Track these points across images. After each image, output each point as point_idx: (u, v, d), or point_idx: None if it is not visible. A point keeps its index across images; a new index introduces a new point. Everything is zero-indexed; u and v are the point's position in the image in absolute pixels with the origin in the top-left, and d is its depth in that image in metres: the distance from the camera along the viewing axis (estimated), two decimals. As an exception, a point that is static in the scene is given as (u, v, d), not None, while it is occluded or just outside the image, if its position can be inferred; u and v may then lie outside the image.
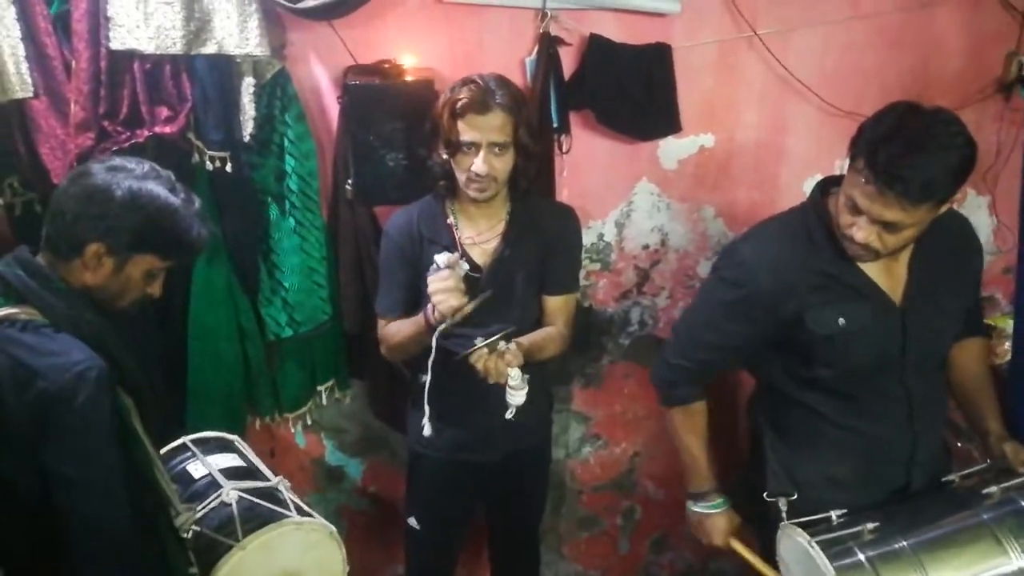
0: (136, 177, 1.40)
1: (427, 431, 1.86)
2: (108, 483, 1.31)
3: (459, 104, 1.75)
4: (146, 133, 1.81)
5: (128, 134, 1.80)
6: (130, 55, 1.77)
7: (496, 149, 1.78)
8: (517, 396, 1.73)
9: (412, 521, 2.13)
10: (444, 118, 1.78)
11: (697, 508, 1.90)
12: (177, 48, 1.76)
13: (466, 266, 1.78)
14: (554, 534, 2.61)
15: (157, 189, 1.40)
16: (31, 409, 1.28)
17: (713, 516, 1.88)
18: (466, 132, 1.77)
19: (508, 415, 1.75)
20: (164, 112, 1.82)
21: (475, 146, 1.77)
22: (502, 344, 1.72)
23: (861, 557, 1.56)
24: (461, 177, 1.82)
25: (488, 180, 1.81)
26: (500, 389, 1.73)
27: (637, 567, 2.74)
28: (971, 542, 1.57)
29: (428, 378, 1.83)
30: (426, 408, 1.84)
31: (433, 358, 1.79)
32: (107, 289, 1.42)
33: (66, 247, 1.38)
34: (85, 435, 1.29)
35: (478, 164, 1.78)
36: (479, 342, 1.71)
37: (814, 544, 1.58)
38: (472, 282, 1.86)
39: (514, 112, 1.78)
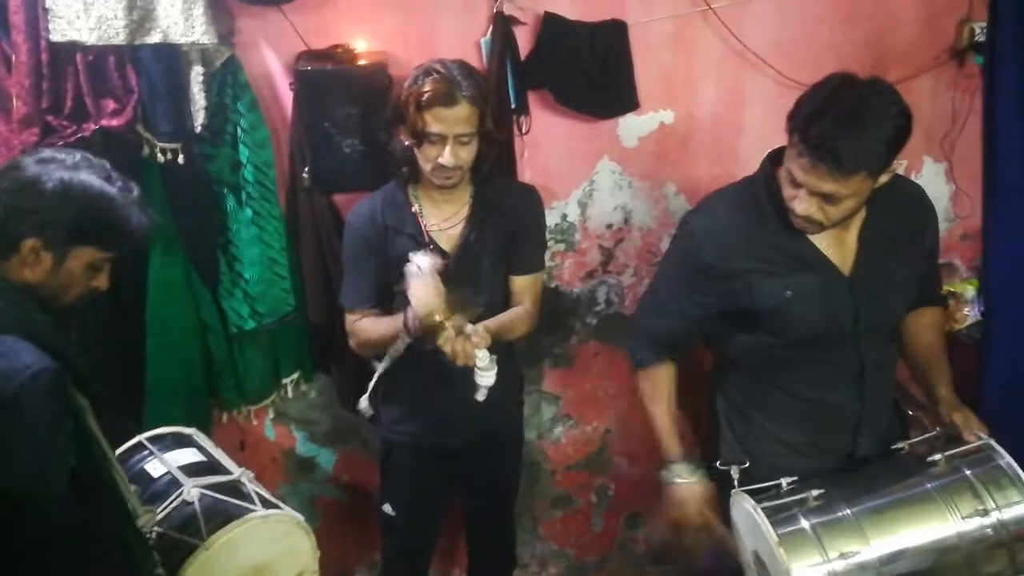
0: (68, 168, 1.35)
1: (363, 404, 1.88)
2: (58, 488, 1.27)
3: (425, 96, 1.73)
4: (92, 127, 1.78)
5: (74, 128, 1.77)
6: (72, 47, 1.74)
7: (463, 139, 1.78)
8: (486, 377, 1.73)
9: (387, 508, 2.13)
10: (409, 109, 1.76)
11: (671, 479, 1.82)
12: (120, 38, 1.73)
13: (440, 262, 1.76)
14: (529, 514, 2.63)
15: (90, 179, 1.36)
16: None
17: (686, 486, 1.81)
18: (432, 124, 1.75)
19: (479, 397, 1.75)
20: (110, 105, 1.79)
21: (441, 138, 1.76)
22: (469, 326, 1.71)
23: (805, 524, 1.58)
24: (426, 166, 1.81)
25: (454, 170, 1.80)
26: (469, 372, 1.73)
27: (612, 543, 2.76)
28: (913, 509, 1.60)
29: (385, 365, 1.83)
30: (370, 387, 1.86)
31: (400, 349, 1.79)
32: (49, 285, 1.37)
33: (1, 245, 1.34)
34: (37, 441, 1.26)
35: (446, 156, 1.77)
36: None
37: (759, 510, 1.60)
38: (440, 268, 1.86)
39: (479, 103, 1.78)
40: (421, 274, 1.73)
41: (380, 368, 1.85)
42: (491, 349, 1.73)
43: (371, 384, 1.87)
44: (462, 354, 1.70)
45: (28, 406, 1.24)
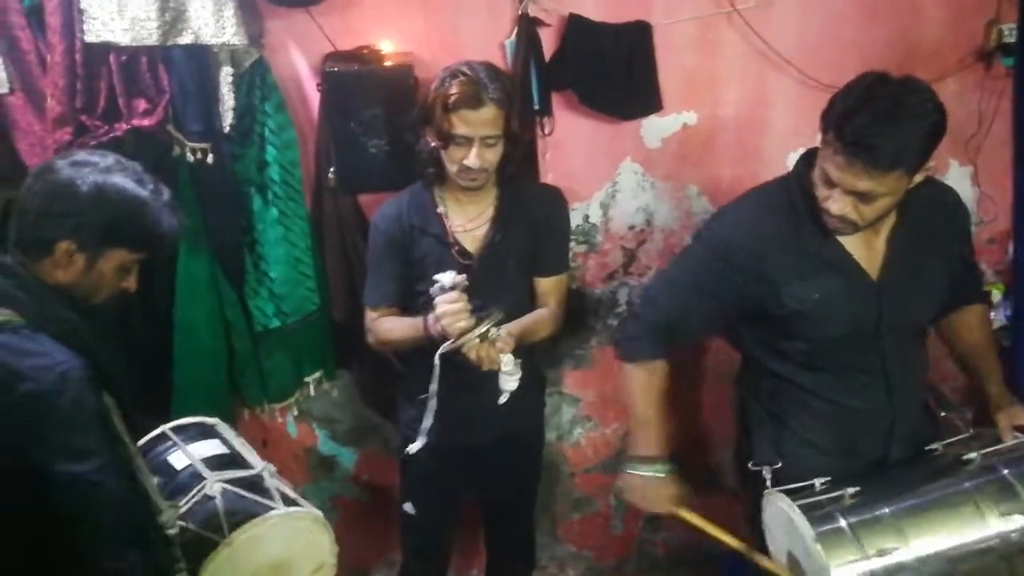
0: (101, 171, 1.37)
1: (415, 447, 1.85)
2: (111, 472, 1.30)
3: (451, 99, 1.74)
4: (124, 126, 1.80)
5: (106, 128, 1.79)
6: (105, 47, 1.76)
7: (489, 141, 1.79)
8: (510, 382, 1.73)
9: (407, 507, 2.13)
10: (436, 110, 1.77)
11: (641, 472, 1.77)
12: (153, 39, 1.75)
13: (466, 281, 1.75)
14: (548, 516, 2.62)
15: (123, 182, 1.38)
16: (17, 411, 1.26)
17: (659, 482, 1.77)
18: (459, 126, 1.76)
19: (501, 400, 1.75)
20: (142, 105, 1.81)
21: (467, 140, 1.77)
22: (493, 331, 1.71)
23: (843, 523, 1.57)
24: (452, 168, 1.82)
25: (480, 172, 1.81)
26: (493, 374, 1.73)
27: (631, 546, 2.75)
28: (951, 510, 1.58)
29: (434, 402, 1.79)
30: (426, 422, 1.82)
31: (437, 378, 1.76)
32: (81, 286, 1.39)
33: (35, 246, 1.36)
34: (79, 432, 1.28)
35: (472, 159, 1.78)
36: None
37: (796, 509, 1.59)
38: (465, 269, 1.87)
39: (506, 105, 1.78)
40: (444, 289, 1.73)
41: (431, 400, 1.81)
42: (515, 353, 1.73)
43: (426, 422, 1.83)
44: (487, 360, 1.71)
45: (61, 402, 1.26)
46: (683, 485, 1.79)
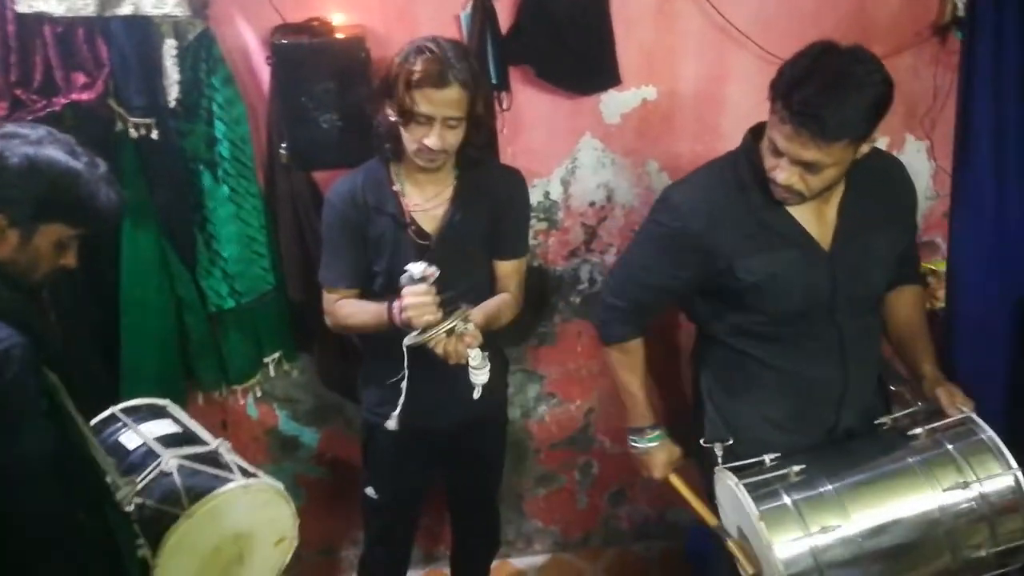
0: (31, 143, 1.33)
1: (392, 424, 1.84)
2: (39, 463, 1.27)
3: (415, 76, 1.70)
4: (63, 101, 1.75)
5: (44, 102, 1.74)
6: (40, 18, 1.70)
7: (451, 122, 1.75)
8: (480, 375, 1.72)
9: (370, 491, 2.12)
10: (399, 85, 1.72)
11: (638, 443, 1.92)
12: (90, 10, 1.69)
13: (437, 272, 1.72)
14: (513, 493, 2.63)
15: (55, 154, 1.34)
16: None
17: (652, 449, 1.90)
18: (422, 104, 1.72)
19: (476, 395, 1.74)
20: (81, 78, 1.76)
21: (429, 119, 1.73)
22: (460, 325, 1.69)
23: (787, 500, 1.59)
24: (411, 146, 1.78)
25: (439, 153, 1.78)
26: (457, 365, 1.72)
27: (596, 520, 2.77)
28: (894, 483, 1.61)
29: (405, 385, 1.79)
30: (398, 409, 1.82)
31: (407, 365, 1.75)
32: (17, 262, 1.35)
33: None
34: (12, 415, 1.25)
35: (432, 140, 1.74)
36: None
37: (741, 487, 1.61)
38: (422, 249, 1.84)
39: (471, 87, 1.74)
40: (413, 280, 1.70)
41: (403, 388, 1.80)
42: (482, 345, 1.72)
43: (395, 415, 1.83)
44: (455, 354, 1.69)
45: (3, 377, 1.22)
46: (673, 448, 1.92)
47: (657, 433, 1.91)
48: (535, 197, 2.28)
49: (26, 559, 1.30)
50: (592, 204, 2.36)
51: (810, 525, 1.56)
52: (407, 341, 1.72)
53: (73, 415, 1.38)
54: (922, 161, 2.42)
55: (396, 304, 1.74)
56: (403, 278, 1.72)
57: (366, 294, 1.95)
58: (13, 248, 1.34)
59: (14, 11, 1.68)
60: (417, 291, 1.70)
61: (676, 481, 1.89)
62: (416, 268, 1.70)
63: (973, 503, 1.57)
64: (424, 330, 1.69)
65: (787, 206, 1.65)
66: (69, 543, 1.32)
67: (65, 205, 1.35)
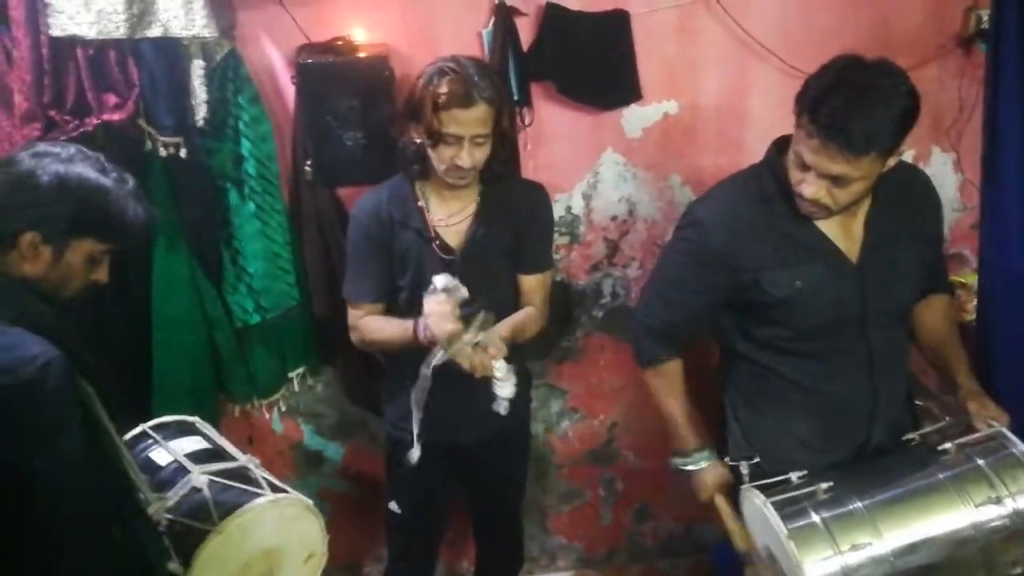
0: (62, 161, 1.35)
1: (414, 458, 1.84)
2: (73, 474, 1.28)
3: (442, 98, 1.71)
4: (95, 121, 1.78)
5: (76, 123, 1.78)
6: (72, 41, 1.74)
7: (479, 140, 1.76)
8: (506, 388, 1.72)
9: (393, 505, 2.12)
10: (426, 109, 1.73)
11: (680, 467, 1.87)
12: (120, 32, 1.72)
13: (465, 292, 1.73)
14: (537, 508, 2.62)
15: (85, 171, 1.36)
16: None
17: (696, 473, 1.85)
18: (450, 125, 1.73)
19: (501, 411, 1.73)
20: (112, 99, 1.79)
21: (457, 139, 1.74)
22: (483, 337, 1.69)
23: (815, 518, 1.56)
24: (440, 167, 1.79)
25: (470, 171, 1.79)
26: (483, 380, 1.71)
27: (621, 536, 2.75)
28: (925, 500, 1.58)
29: (417, 414, 1.79)
30: (415, 439, 1.82)
31: (426, 391, 1.75)
32: (49, 279, 1.37)
33: None
34: (48, 428, 1.26)
35: (463, 158, 1.75)
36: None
37: (768, 505, 1.58)
38: (446, 264, 1.85)
39: (496, 103, 1.76)
40: (436, 291, 1.71)
41: (416, 413, 1.80)
42: (507, 358, 1.71)
43: (414, 434, 1.83)
44: (480, 367, 1.69)
45: (38, 394, 1.24)
46: (722, 471, 1.85)
47: (704, 454, 1.85)
48: (557, 212, 2.28)
49: (59, 571, 1.31)
50: (614, 218, 2.36)
51: (840, 544, 1.52)
52: (434, 363, 1.71)
53: (107, 427, 1.39)
54: (948, 173, 2.40)
55: (421, 321, 1.75)
56: (428, 290, 1.73)
57: (391, 309, 1.96)
58: (46, 264, 1.36)
59: (48, 35, 1.72)
60: (438, 300, 1.70)
61: (721, 503, 1.83)
62: (440, 280, 1.71)
63: (1007, 519, 1.54)
64: (447, 345, 1.68)
65: (814, 220, 1.64)
66: (101, 556, 1.33)
67: (95, 221, 1.37)
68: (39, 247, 1.34)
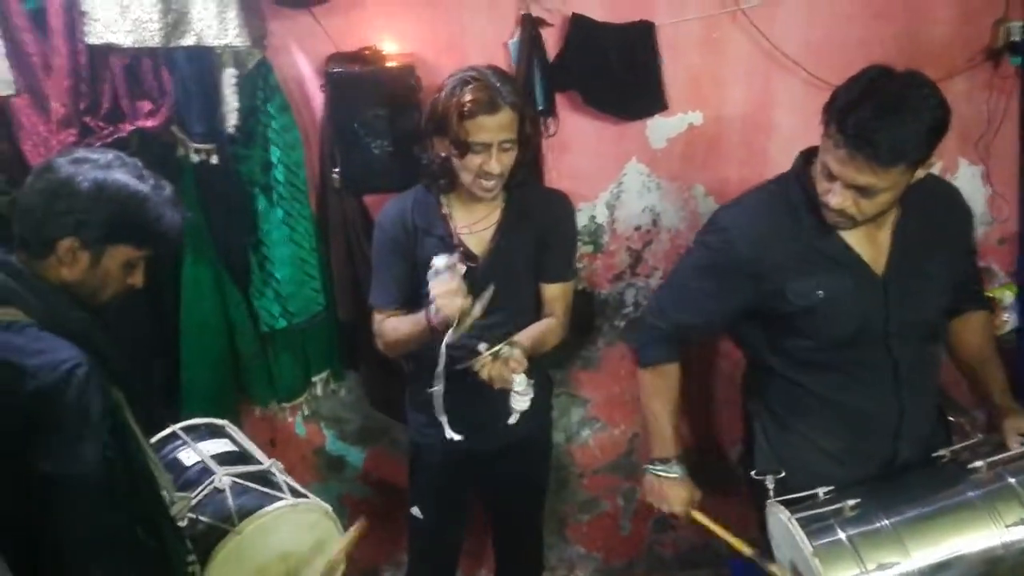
0: (101, 167, 1.37)
1: (449, 434, 1.85)
2: (99, 479, 1.29)
3: (467, 106, 1.72)
4: (129, 127, 1.81)
5: (111, 129, 1.80)
6: (108, 49, 1.77)
7: (506, 145, 1.77)
8: (522, 402, 1.72)
9: (415, 511, 2.13)
10: (451, 119, 1.74)
11: (659, 472, 1.83)
12: (155, 41, 1.75)
13: (463, 268, 1.74)
14: (556, 517, 2.62)
15: (124, 178, 1.38)
16: (24, 409, 1.26)
17: (674, 482, 1.82)
18: (477, 133, 1.74)
19: (511, 421, 1.75)
20: (146, 106, 1.82)
21: (485, 146, 1.75)
22: (505, 349, 1.70)
23: (842, 535, 1.53)
24: (468, 177, 1.80)
25: (499, 178, 1.79)
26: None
27: (640, 547, 2.74)
28: (954, 519, 1.55)
29: (441, 387, 1.80)
30: (444, 416, 1.83)
31: (443, 366, 1.76)
32: (86, 284, 1.39)
33: (38, 245, 1.36)
34: (75, 432, 1.28)
35: (492, 165, 1.76)
36: (483, 348, 1.69)
37: (794, 521, 1.56)
38: (469, 272, 1.85)
39: (519, 108, 1.77)
40: (438, 271, 1.72)
41: (440, 391, 1.82)
42: (527, 372, 1.72)
43: (442, 410, 1.85)
44: (499, 379, 1.70)
45: (66, 399, 1.26)
46: (695, 487, 1.83)
47: (680, 468, 1.83)
48: (581, 221, 2.29)
49: (81, 572, 1.33)
50: (638, 228, 2.36)
51: (867, 562, 1.50)
52: (447, 339, 1.71)
53: (134, 430, 1.41)
54: (977, 186, 2.38)
55: (431, 307, 1.75)
56: (429, 273, 1.73)
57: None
58: (83, 270, 1.38)
59: (85, 43, 1.75)
60: (442, 280, 1.70)
61: (700, 516, 1.81)
62: (440, 260, 1.71)
63: (1039, 540, 1.51)
64: (459, 323, 1.68)
65: (839, 230, 1.63)
66: (123, 559, 1.34)
67: (133, 227, 1.39)
68: (77, 253, 1.36)
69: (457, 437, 1.85)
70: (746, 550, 1.73)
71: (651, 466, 1.86)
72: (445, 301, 1.70)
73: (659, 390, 1.84)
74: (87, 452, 1.28)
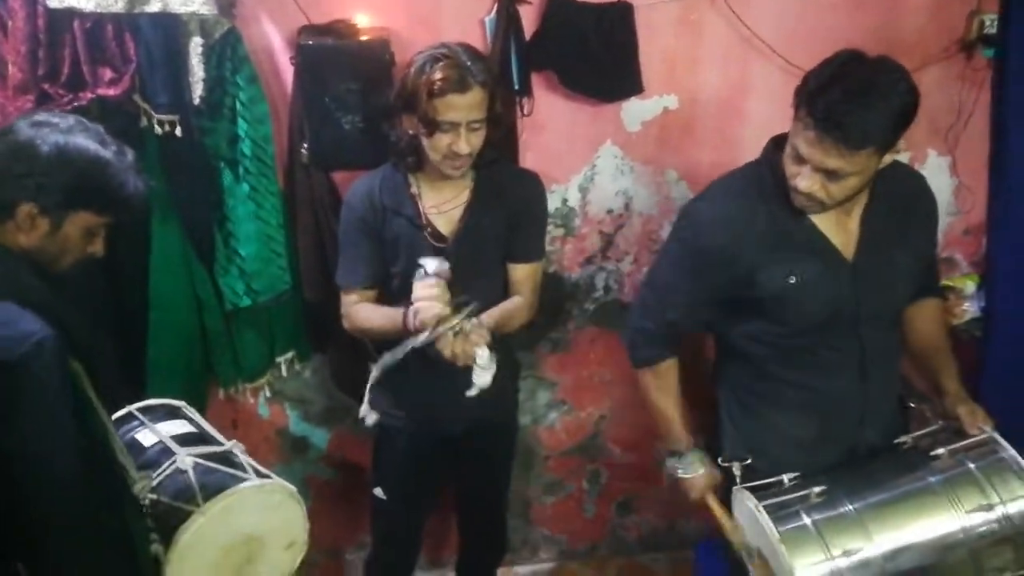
0: (62, 131, 1.33)
1: (369, 420, 1.86)
2: (64, 456, 1.27)
3: (436, 84, 1.69)
4: (89, 95, 1.75)
5: (70, 96, 1.75)
6: (69, 13, 1.71)
7: (475, 125, 1.75)
8: (484, 376, 1.72)
9: (378, 492, 2.12)
10: (420, 97, 1.71)
11: (677, 466, 1.88)
12: (119, 6, 1.70)
13: (447, 275, 1.74)
14: (521, 499, 2.62)
15: (85, 142, 1.34)
16: None
17: (688, 473, 1.86)
18: (446, 112, 1.71)
19: (470, 393, 1.74)
20: (108, 73, 1.76)
21: (454, 125, 1.73)
22: (467, 323, 1.69)
23: (807, 521, 1.57)
24: (436, 156, 1.78)
25: (467, 157, 1.78)
26: (468, 369, 1.72)
27: (604, 530, 2.76)
28: (916, 504, 1.58)
29: (386, 366, 1.80)
30: (367, 396, 1.84)
31: (399, 357, 1.76)
32: (45, 251, 1.36)
33: None
34: (39, 406, 1.25)
35: (461, 144, 1.74)
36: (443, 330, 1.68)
37: (760, 508, 1.59)
38: (438, 252, 1.84)
39: (490, 87, 1.75)
40: (426, 275, 1.70)
41: (375, 373, 1.83)
42: (490, 345, 1.71)
43: (367, 390, 1.86)
44: (462, 355, 1.69)
45: (32, 373, 1.23)
46: (711, 473, 1.86)
47: (697, 455, 1.87)
48: (553, 203, 2.27)
49: (46, 550, 1.30)
50: (610, 212, 2.36)
51: (832, 548, 1.53)
52: (416, 342, 1.71)
53: (95, 404, 1.38)
54: (944, 177, 2.40)
55: (411, 309, 1.74)
56: (417, 272, 1.73)
57: (383, 296, 1.95)
58: (42, 236, 1.35)
59: (45, 6, 1.69)
60: (427, 284, 1.70)
61: (712, 502, 1.84)
62: (431, 264, 1.72)
63: (996, 524, 1.55)
64: (433, 329, 1.68)
65: (809, 215, 1.64)
66: (89, 536, 1.32)
67: (94, 193, 1.36)
68: (36, 218, 1.33)
69: (371, 419, 1.87)
70: (739, 543, 1.75)
71: (668, 459, 1.90)
72: (425, 305, 1.69)
73: (660, 388, 1.86)
74: (55, 429, 1.26)
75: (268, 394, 2.34)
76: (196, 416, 1.76)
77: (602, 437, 2.61)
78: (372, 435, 2.14)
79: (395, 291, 1.91)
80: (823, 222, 1.66)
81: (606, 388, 2.54)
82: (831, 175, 1.52)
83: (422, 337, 1.70)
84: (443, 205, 1.89)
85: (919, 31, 2.25)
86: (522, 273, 1.96)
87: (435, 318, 1.69)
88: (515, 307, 1.92)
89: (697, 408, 1.94)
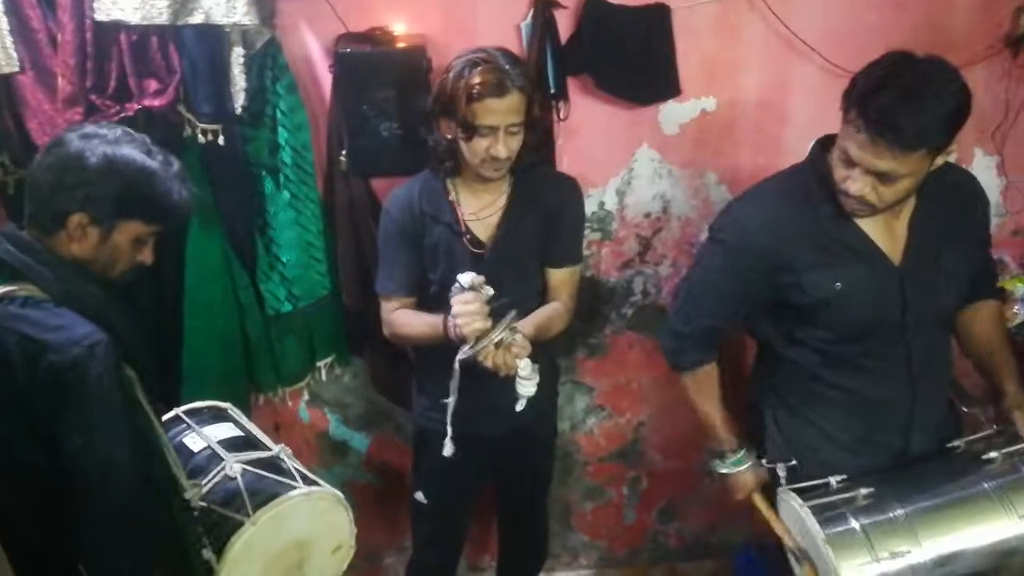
0: (110, 142, 1.37)
1: (448, 451, 1.84)
2: (117, 454, 1.30)
3: (475, 89, 1.70)
4: (135, 106, 1.79)
5: (117, 108, 1.79)
6: (116, 27, 1.74)
7: (513, 129, 1.75)
8: (528, 387, 1.71)
9: (419, 495, 2.12)
10: (459, 102, 1.72)
11: (721, 467, 1.87)
12: (163, 18, 1.73)
13: (490, 290, 1.73)
14: (560, 505, 2.61)
15: (133, 153, 1.38)
16: (42, 384, 1.27)
17: (736, 473, 1.85)
18: (485, 116, 1.72)
19: (518, 407, 1.74)
20: (153, 85, 1.80)
21: (492, 130, 1.73)
22: (508, 335, 1.68)
23: (854, 524, 1.54)
24: (474, 160, 1.78)
25: (506, 161, 1.78)
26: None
27: (644, 536, 2.74)
28: (968, 509, 1.55)
29: (454, 400, 1.79)
30: (449, 430, 1.82)
31: (457, 380, 1.76)
32: (97, 260, 1.40)
33: (48, 220, 1.36)
34: (95, 406, 1.28)
35: (499, 149, 1.74)
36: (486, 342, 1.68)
37: (806, 508, 1.57)
38: (476, 258, 1.84)
39: (528, 91, 1.75)
40: (462, 289, 1.71)
41: (451, 404, 1.81)
42: (531, 356, 1.71)
43: (448, 425, 1.84)
44: (504, 366, 1.69)
45: (87, 374, 1.26)
46: (760, 471, 1.85)
47: (742, 455, 1.85)
48: (590, 207, 2.26)
49: (100, 551, 1.33)
50: (647, 215, 2.34)
51: (878, 550, 1.50)
52: (459, 356, 1.72)
53: (147, 410, 1.41)
54: (992, 177, 2.35)
55: (451, 317, 1.75)
56: (453, 288, 1.72)
57: (422, 303, 1.95)
58: (94, 245, 1.39)
59: (93, 19, 1.73)
60: (465, 299, 1.70)
61: (759, 501, 1.83)
62: (465, 278, 1.71)
63: (1052, 532, 1.50)
64: (475, 344, 1.68)
65: (857, 219, 1.61)
66: (142, 538, 1.35)
67: (142, 202, 1.39)
68: (87, 228, 1.37)
69: (449, 452, 1.85)
70: (791, 542, 1.72)
71: (713, 461, 1.90)
72: (465, 320, 1.69)
73: (702, 392, 1.85)
74: (114, 430, 1.29)
75: (307, 397, 2.36)
76: (243, 418, 1.79)
77: (642, 443, 2.59)
78: (411, 439, 2.15)
79: (433, 297, 1.92)
80: (870, 226, 1.63)
81: (644, 393, 2.52)
82: (883, 178, 1.50)
83: (465, 351, 1.70)
84: (481, 212, 1.89)
85: (963, 28, 2.20)
86: (560, 278, 1.96)
87: (475, 333, 1.69)
88: (554, 313, 1.92)
89: (735, 411, 1.91)
